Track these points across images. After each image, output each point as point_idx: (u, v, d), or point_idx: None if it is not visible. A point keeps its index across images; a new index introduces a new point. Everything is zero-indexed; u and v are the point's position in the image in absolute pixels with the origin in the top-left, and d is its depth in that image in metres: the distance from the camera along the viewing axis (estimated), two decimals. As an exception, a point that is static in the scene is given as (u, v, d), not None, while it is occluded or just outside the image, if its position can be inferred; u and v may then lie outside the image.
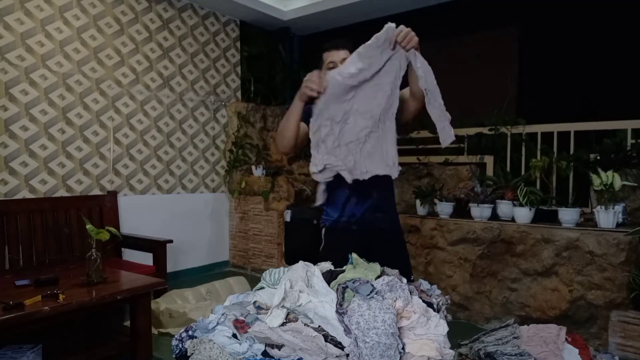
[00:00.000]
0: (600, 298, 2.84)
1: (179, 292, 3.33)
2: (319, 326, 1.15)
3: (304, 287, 1.23)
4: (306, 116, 1.81)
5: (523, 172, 3.74)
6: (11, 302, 2.05)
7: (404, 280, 1.30)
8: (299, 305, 1.18)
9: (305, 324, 1.15)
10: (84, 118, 3.79)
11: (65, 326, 2.63)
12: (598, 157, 3.33)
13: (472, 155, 4.08)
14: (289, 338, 1.10)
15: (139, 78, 4.18)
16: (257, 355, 1.10)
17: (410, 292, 1.23)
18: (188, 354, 1.14)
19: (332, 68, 1.79)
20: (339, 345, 1.10)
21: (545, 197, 3.29)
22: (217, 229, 4.96)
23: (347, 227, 1.84)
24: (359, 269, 1.35)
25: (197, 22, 4.71)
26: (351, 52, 1.77)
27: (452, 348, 1.18)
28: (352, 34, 5.39)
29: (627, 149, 3.27)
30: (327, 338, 1.11)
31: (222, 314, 1.23)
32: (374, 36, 1.62)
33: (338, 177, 1.75)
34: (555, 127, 3.72)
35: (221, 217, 5.00)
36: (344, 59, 1.77)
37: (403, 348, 1.09)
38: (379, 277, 1.28)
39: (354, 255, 1.44)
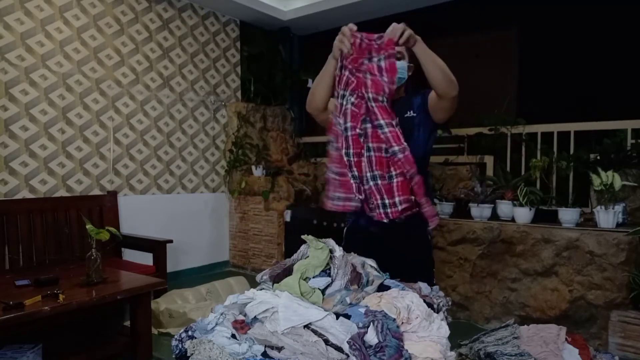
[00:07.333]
0: (600, 298, 2.83)
1: (179, 292, 3.33)
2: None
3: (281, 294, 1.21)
4: None
5: (523, 172, 3.74)
6: (11, 302, 2.04)
7: (405, 288, 1.30)
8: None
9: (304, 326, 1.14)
10: (84, 118, 3.79)
11: (65, 326, 2.63)
12: (598, 157, 3.33)
13: (472, 155, 4.08)
14: (289, 342, 1.10)
15: (139, 78, 4.18)
16: (256, 356, 1.10)
17: (412, 295, 1.23)
18: (188, 354, 1.14)
19: None
20: (339, 349, 1.10)
21: (545, 197, 3.29)
22: (217, 229, 4.96)
23: (366, 229, 1.74)
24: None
25: (197, 22, 4.70)
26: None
27: (452, 348, 1.18)
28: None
29: (627, 149, 3.27)
30: (328, 342, 1.10)
31: (222, 314, 1.23)
32: None
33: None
34: (555, 127, 3.72)
35: (221, 217, 5.00)
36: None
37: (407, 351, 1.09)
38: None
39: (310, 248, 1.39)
